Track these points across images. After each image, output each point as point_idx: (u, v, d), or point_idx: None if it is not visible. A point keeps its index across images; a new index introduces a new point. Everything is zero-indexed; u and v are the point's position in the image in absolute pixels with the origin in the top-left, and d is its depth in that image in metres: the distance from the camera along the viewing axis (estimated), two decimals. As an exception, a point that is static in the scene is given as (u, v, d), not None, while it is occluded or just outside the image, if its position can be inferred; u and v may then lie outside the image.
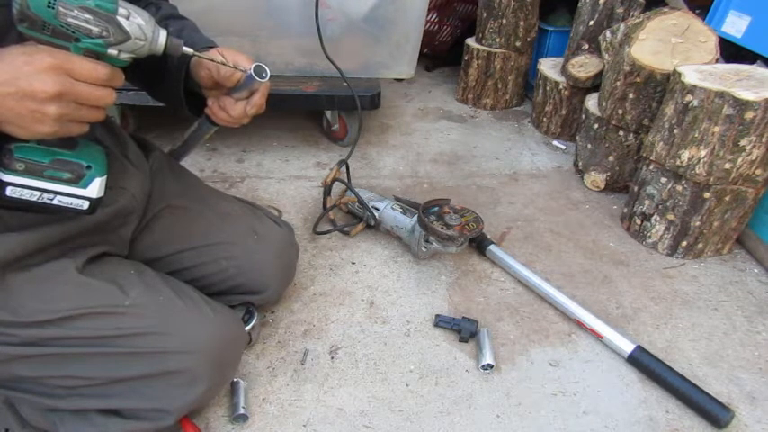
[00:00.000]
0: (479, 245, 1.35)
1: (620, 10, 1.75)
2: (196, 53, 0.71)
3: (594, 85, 1.83)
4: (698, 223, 1.33)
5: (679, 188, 1.32)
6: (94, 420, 0.78)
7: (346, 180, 1.47)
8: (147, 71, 0.87)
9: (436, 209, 1.25)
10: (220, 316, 0.85)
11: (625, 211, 1.51)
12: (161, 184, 0.96)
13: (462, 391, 1.01)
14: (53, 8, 0.57)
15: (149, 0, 0.90)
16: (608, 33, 1.71)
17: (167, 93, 0.90)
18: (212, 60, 0.76)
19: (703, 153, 1.24)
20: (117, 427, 0.79)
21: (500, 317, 1.18)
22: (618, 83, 1.51)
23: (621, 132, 1.57)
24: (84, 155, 0.68)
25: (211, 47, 0.85)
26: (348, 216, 1.48)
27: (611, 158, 1.63)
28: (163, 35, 0.67)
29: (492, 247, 1.33)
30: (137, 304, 0.78)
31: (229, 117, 0.85)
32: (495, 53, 2.12)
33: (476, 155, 1.89)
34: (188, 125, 0.98)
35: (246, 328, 1.00)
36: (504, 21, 2.05)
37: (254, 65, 0.77)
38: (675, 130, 1.28)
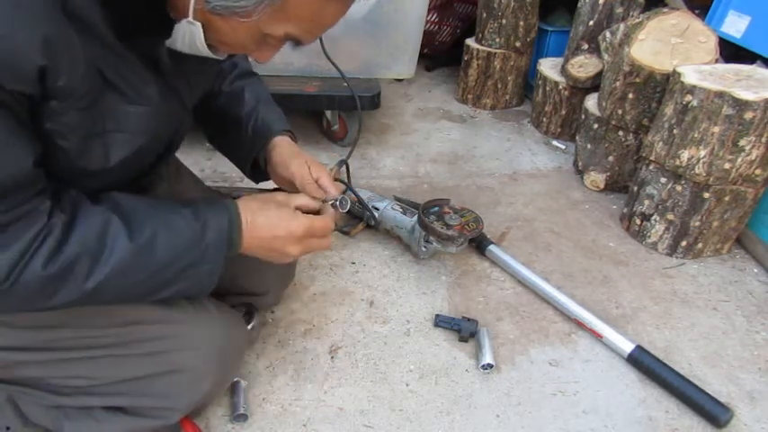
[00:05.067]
0: (479, 245, 1.35)
1: (619, 10, 1.75)
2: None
3: (594, 85, 1.83)
4: (697, 223, 1.33)
5: (679, 188, 1.32)
6: (99, 417, 0.79)
7: (346, 180, 1.47)
8: (219, 127, 0.94)
9: (436, 209, 1.25)
10: (224, 315, 0.86)
11: (625, 211, 1.52)
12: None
13: (462, 390, 1.01)
14: None
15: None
16: (608, 33, 1.71)
17: (231, 153, 0.97)
18: (322, 201, 0.82)
19: (703, 153, 1.24)
20: (121, 425, 0.79)
21: (500, 317, 1.18)
22: (617, 83, 1.51)
23: (621, 132, 1.58)
24: None
25: (287, 130, 0.93)
26: (348, 216, 1.48)
27: (610, 158, 1.63)
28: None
29: (492, 247, 1.33)
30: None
31: None
32: (495, 53, 2.12)
33: (476, 155, 1.89)
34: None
35: (247, 328, 1.00)
36: (504, 21, 2.05)
37: (341, 196, 0.85)
38: (675, 130, 1.28)
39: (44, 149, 0.59)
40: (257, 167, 0.93)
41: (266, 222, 0.72)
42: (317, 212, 0.80)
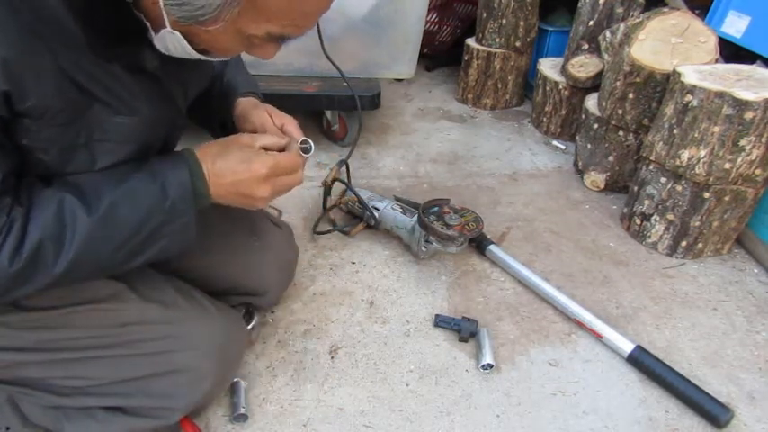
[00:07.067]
0: (479, 245, 1.35)
1: (619, 10, 1.75)
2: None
3: (594, 85, 1.83)
4: (697, 223, 1.33)
5: (679, 188, 1.32)
6: (99, 417, 0.79)
7: (346, 180, 1.47)
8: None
9: (436, 209, 1.25)
10: (223, 314, 0.86)
11: (625, 211, 1.52)
12: None
13: (462, 390, 1.01)
14: None
15: None
16: (608, 33, 1.71)
17: (202, 121, 0.94)
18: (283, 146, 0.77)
19: (703, 153, 1.24)
20: (121, 425, 0.79)
21: (500, 317, 1.18)
22: (618, 83, 1.51)
23: (621, 132, 1.58)
24: None
25: (253, 92, 0.89)
26: (348, 216, 1.48)
27: (610, 158, 1.63)
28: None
29: (492, 247, 1.33)
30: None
31: None
32: (495, 53, 2.12)
33: (476, 155, 1.89)
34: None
35: (247, 328, 1.00)
36: (504, 21, 2.05)
37: (301, 139, 0.80)
38: (675, 130, 1.28)
39: (25, 161, 0.59)
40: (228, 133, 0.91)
41: (227, 166, 0.69)
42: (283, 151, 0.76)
